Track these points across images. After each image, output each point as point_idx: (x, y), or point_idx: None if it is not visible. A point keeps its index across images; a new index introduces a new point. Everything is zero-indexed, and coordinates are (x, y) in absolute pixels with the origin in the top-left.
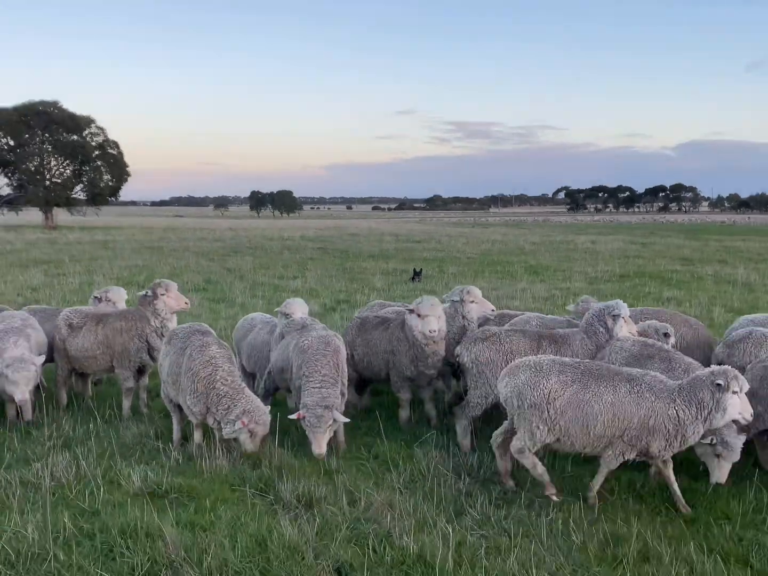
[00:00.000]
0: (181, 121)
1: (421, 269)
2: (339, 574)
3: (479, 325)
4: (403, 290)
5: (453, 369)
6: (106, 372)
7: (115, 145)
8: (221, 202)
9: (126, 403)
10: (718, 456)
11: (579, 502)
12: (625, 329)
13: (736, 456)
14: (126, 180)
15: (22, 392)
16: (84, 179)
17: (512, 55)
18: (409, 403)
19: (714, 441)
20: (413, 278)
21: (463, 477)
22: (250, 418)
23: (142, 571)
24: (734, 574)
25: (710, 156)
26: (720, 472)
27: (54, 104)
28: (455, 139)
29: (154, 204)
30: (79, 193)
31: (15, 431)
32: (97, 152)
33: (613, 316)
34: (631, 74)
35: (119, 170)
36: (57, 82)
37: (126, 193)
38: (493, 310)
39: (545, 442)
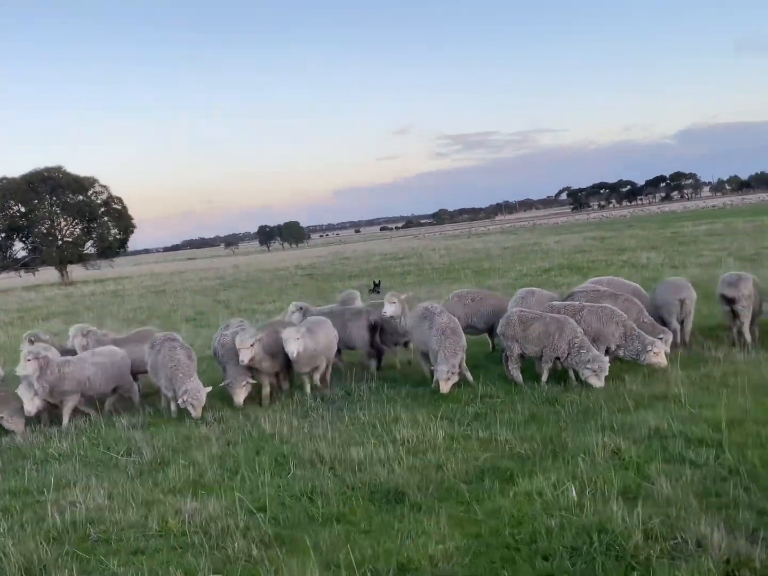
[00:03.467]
0: (183, 166)
1: (380, 281)
2: (228, 445)
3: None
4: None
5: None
6: None
7: (119, 200)
8: (231, 240)
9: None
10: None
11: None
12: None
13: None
14: (132, 231)
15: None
16: (93, 235)
17: (501, 61)
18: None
19: None
20: (372, 290)
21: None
22: (188, 395)
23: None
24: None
25: (710, 140)
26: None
27: (58, 169)
28: (454, 152)
29: (166, 249)
30: (90, 248)
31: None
32: (102, 209)
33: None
34: (624, 66)
35: (125, 223)
36: (57, 146)
37: (139, 242)
38: None
39: None
